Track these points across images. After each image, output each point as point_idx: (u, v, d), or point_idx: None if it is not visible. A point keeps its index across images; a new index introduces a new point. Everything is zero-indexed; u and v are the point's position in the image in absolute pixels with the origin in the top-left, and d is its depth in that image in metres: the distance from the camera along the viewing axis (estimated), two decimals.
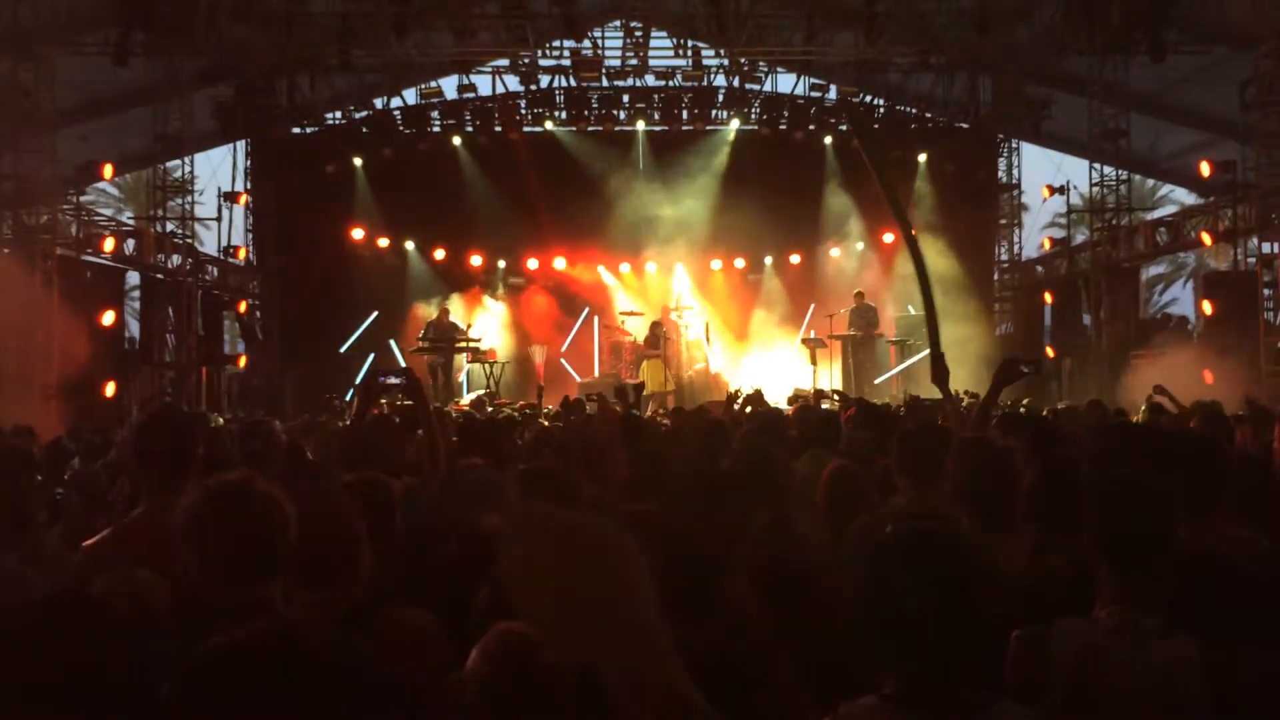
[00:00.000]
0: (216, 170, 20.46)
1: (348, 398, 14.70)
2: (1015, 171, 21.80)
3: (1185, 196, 25.86)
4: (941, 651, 2.04)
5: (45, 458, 6.85)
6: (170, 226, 18.89)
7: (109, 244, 16.19)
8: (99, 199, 28.19)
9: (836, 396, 11.55)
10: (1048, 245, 22.11)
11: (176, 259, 18.72)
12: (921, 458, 4.10)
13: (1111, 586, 2.64)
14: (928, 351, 6.71)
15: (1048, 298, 20.39)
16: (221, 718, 1.65)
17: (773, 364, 18.89)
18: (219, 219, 19.87)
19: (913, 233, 7.05)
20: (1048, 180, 20.55)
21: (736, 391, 13.33)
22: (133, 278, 18.93)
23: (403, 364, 17.00)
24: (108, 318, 15.08)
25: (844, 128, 20.20)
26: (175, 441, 3.65)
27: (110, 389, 14.45)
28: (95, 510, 4.41)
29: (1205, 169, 16.52)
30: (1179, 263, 35.59)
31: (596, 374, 19.04)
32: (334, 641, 2.41)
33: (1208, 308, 16.47)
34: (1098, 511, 2.75)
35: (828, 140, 20.48)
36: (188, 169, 19.36)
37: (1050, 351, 19.38)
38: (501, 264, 20.54)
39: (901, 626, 2.06)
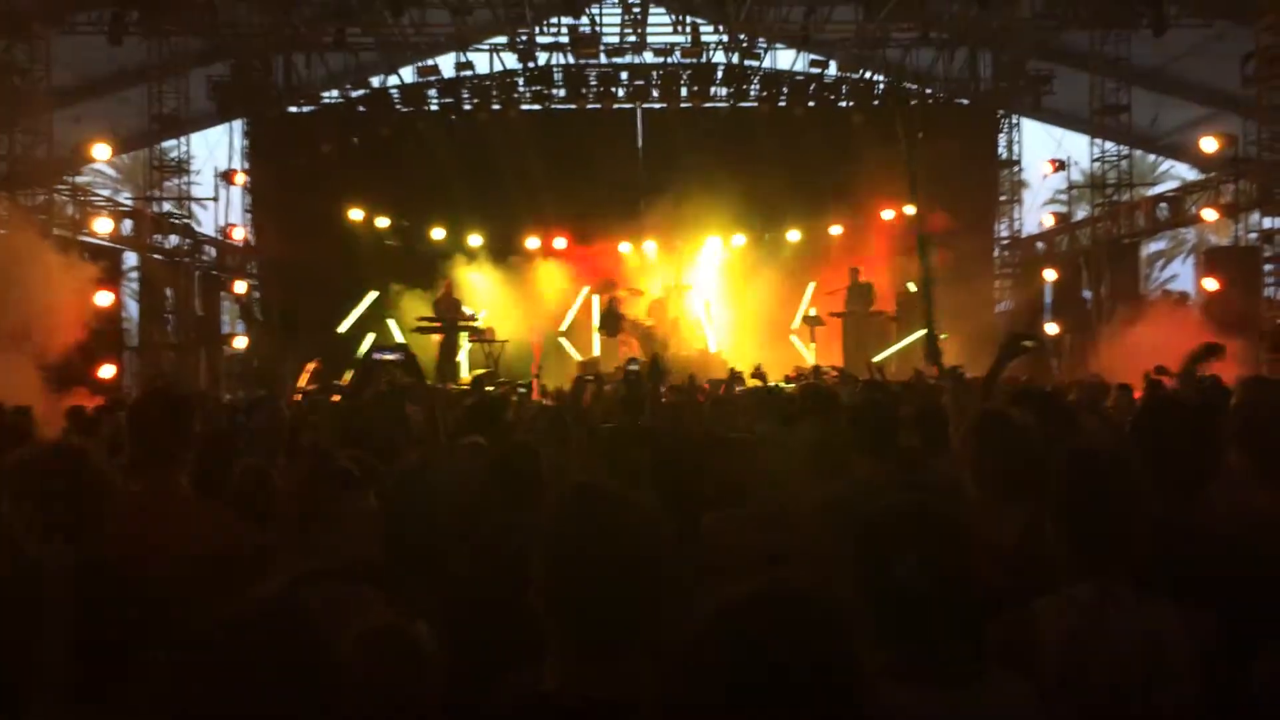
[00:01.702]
0: (213, 150, 20.42)
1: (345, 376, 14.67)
2: (1015, 148, 21.72)
3: (1186, 172, 25.76)
4: (935, 624, 2.10)
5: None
6: (167, 207, 18.86)
7: (105, 224, 16.12)
8: (96, 180, 28.09)
9: (836, 373, 11.55)
10: (1053, 221, 22.04)
11: (174, 239, 18.70)
12: (875, 432, 4.17)
13: (1080, 562, 2.65)
14: (924, 331, 6.71)
15: (1048, 275, 20.34)
16: (222, 687, 1.65)
17: (773, 342, 18.86)
18: (216, 199, 19.85)
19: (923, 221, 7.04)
20: (1048, 156, 20.52)
21: (732, 370, 13.28)
22: (130, 258, 18.90)
23: (401, 341, 17.05)
24: (105, 299, 15.02)
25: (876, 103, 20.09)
26: (170, 419, 3.66)
27: (109, 370, 14.42)
28: None
29: (1210, 144, 16.42)
30: (1179, 238, 35.53)
31: (596, 352, 19.00)
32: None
33: (1211, 283, 16.39)
34: (1062, 491, 2.75)
35: (827, 117, 20.41)
36: (184, 149, 19.34)
37: (1057, 327, 19.34)
38: (500, 243, 20.46)
39: (895, 600, 2.11)
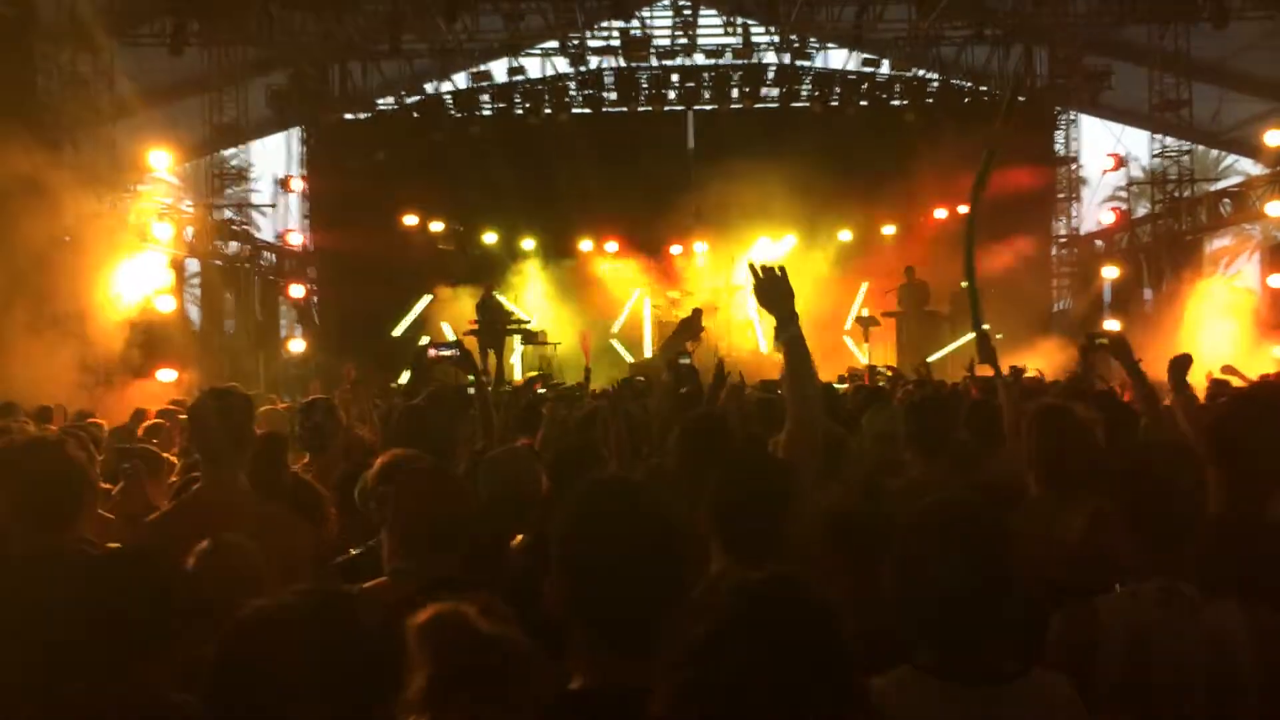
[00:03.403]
0: (272, 157, 20.81)
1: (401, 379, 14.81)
2: (1073, 144, 21.38)
3: (1250, 167, 25.18)
4: (976, 622, 2.09)
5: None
6: (228, 214, 19.22)
7: (166, 230, 16.42)
8: (158, 188, 28.69)
9: (890, 372, 11.46)
10: (1113, 218, 21.65)
11: (235, 245, 19.06)
12: (929, 429, 4.11)
13: (1144, 558, 2.62)
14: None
15: (1108, 272, 19.97)
16: (259, 677, 1.67)
17: (826, 342, 18.73)
18: (274, 205, 20.19)
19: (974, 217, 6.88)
20: (1106, 152, 20.17)
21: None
22: (192, 264, 19.31)
23: (455, 339, 17.18)
24: (167, 303, 15.34)
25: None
26: (230, 420, 3.75)
27: (169, 374, 14.71)
28: (154, 485, 4.58)
29: (1276, 138, 16.03)
30: (1244, 235, 34.69)
31: (648, 354, 19.03)
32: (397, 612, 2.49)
33: (1277, 279, 16.00)
34: (1126, 484, 2.73)
35: (880, 116, 20.26)
36: (244, 157, 19.72)
37: (1117, 325, 19.00)
38: (553, 245, 20.59)
39: (936, 598, 2.10)
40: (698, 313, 18.26)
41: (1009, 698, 2.08)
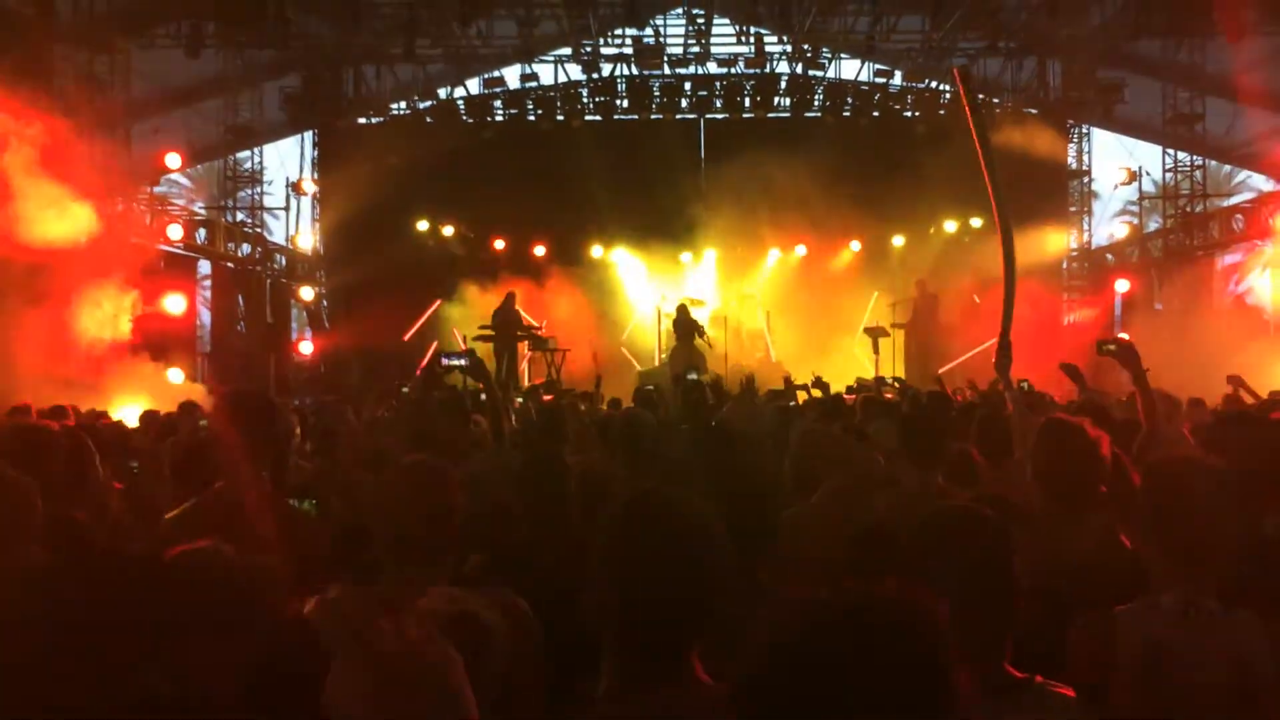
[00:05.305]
0: (285, 161, 20.89)
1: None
2: (1086, 158, 21.34)
3: (1263, 183, 25.11)
4: (977, 631, 2.07)
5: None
6: (240, 216, 19.29)
7: (177, 230, 16.44)
8: (172, 190, 28.81)
9: (897, 384, 11.45)
10: (1126, 232, 21.57)
11: (246, 248, 19.12)
12: (922, 441, 4.12)
13: (1168, 570, 2.61)
14: (993, 341, 6.52)
15: (1119, 286, 19.93)
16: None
17: (835, 352, 18.73)
18: (287, 209, 20.25)
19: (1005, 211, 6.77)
20: (1118, 165, 20.13)
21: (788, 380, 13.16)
22: (204, 266, 19.39)
23: (467, 347, 17.18)
24: (179, 305, 15.37)
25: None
26: (252, 422, 3.76)
27: (178, 375, 14.74)
28: (158, 485, 4.60)
29: None
30: (1257, 251, 34.56)
31: (657, 362, 19.02)
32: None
33: None
34: (1152, 499, 2.72)
35: (892, 127, 20.27)
36: (257, 160, 19.77)
37: (1128, 339, 18.90)
38: (564, 252, 20.61)
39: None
40: (681, 308, 18.25)
41: (1009, 707, 2.07)
